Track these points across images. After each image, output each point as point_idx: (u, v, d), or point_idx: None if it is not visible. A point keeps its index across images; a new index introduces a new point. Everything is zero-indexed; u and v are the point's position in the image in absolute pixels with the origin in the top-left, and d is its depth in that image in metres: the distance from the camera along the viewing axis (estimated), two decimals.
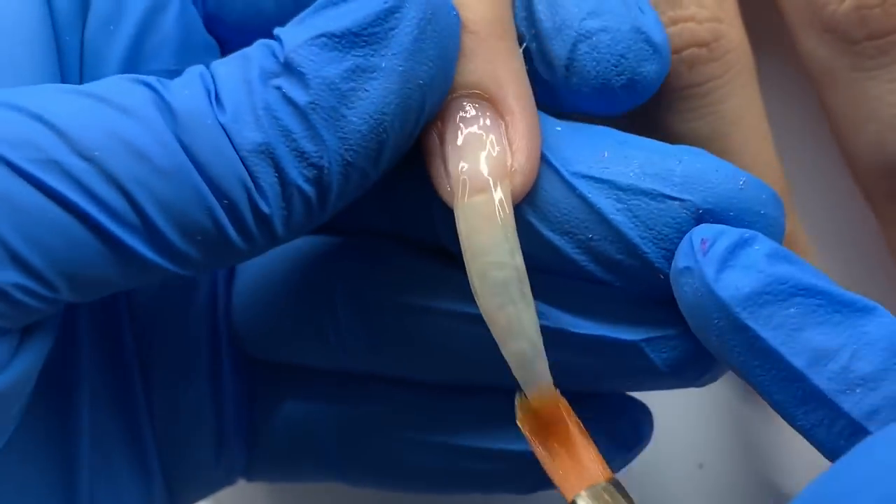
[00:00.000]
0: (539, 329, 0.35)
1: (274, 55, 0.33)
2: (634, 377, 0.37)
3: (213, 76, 0.33)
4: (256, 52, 0.34)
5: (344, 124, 0.33)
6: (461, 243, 0.35)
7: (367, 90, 0.33)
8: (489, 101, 0.35)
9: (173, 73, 0.34)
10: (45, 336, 0.34)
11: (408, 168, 0.36)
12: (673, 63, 0.40)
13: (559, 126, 0.37)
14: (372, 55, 0.33)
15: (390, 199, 0.38)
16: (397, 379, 0.40)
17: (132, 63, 0.36)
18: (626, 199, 0.35)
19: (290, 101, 0.33)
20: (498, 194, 0.34)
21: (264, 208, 0.33)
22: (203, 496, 0.41)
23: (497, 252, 0.34)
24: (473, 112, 0.35)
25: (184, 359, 0.40)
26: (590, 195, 0.35)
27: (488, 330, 0.35)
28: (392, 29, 0.33)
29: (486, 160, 0.35)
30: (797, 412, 0.33)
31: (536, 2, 0.37)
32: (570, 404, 0.36)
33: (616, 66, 0.36)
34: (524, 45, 0.37)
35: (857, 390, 0.32)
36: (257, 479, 0.42)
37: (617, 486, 0.34)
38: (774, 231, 0.36)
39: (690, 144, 0.39)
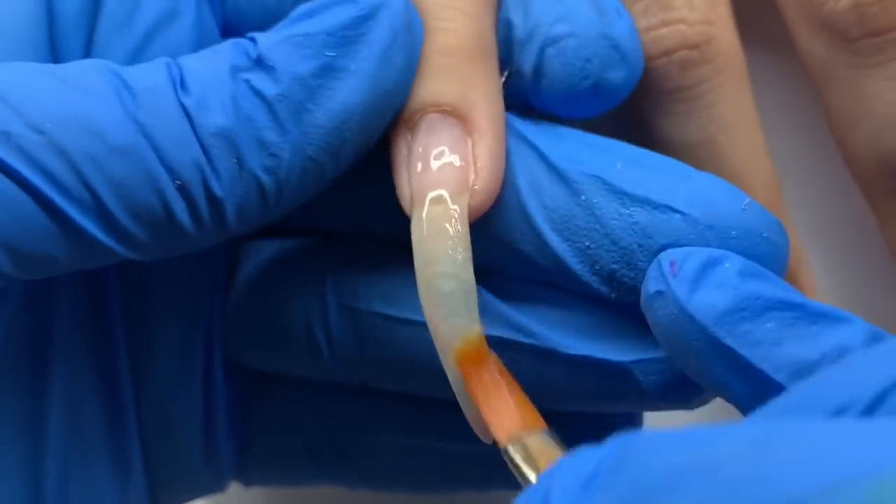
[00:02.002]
0: None
1: (246, 53, 0.34)
2: (623, 399, 0.37)
3: (179, 66, 0.34)
4: (228, 49, 0.34)
5: (308, 119, 0.34)
6: (413, 251, 0.35)
7: (334, 89, 0.34)
8: (459, 119, 0.35)
9: None
10: None
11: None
12: (663, 65, 0.40)
13: (575, 137, 0.37)
14: (342, 56, 0.34)
15: (383, 202, 0.38)
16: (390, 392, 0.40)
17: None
18: (629, 205, 0.35)
19: (257, 93, 0.34)
20: (455, 207, 0.35)
21: (217, 191, 0.33)
22: (188, 499, 0.41)
23: (445, 263, 0.35)
24: (443, 128, 0.35)
25: (177, 362, 0.40)
26: (594, 199, 0.35)
27: None
28: (364, 34, 0.34)
29: (447, 174, 0.35)
30: None
31: (511, 8, 0.37)
32: (554, 423, 0.35)
33: (582, 71, 0.37)
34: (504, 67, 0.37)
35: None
36: (253, 485, 0.42)
37: (551, 434, 0.34)
38: (777, 256, 0.35)
39: (681, 147, 0.40)
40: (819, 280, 0.41)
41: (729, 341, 0.32)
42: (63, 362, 0.38)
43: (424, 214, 0.35)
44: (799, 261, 0.41)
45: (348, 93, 0.34)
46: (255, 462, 0.41)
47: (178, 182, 0.33)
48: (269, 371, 0.41)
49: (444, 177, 0.35)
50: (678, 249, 0.34)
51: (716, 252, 0.34)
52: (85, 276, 0.38)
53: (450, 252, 0.34)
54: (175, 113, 0.33)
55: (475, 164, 0.35)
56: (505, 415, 0.35)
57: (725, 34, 0.40)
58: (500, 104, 0.36)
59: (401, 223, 0.36)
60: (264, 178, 0.34)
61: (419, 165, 0.35)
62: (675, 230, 0.35)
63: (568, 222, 0.36)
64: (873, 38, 0.39)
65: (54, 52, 0.36)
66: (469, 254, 0.35)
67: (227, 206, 0.34)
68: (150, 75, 0.34)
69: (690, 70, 0.40)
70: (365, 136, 0.35)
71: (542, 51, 0.37)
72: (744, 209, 0.35)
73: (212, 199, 0.34)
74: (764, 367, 0.32)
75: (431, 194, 0.35)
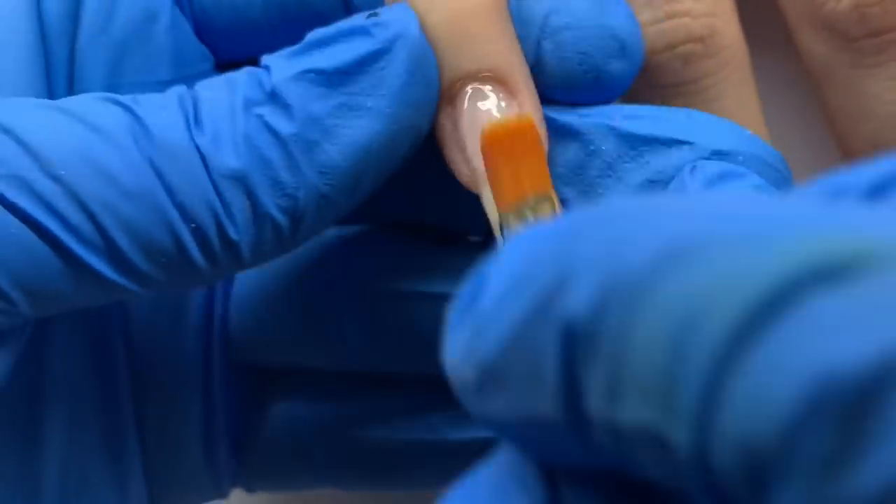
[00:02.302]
0: None
1: (260, 84, 0.34)
2: None
3: (194, 99, 0.34)
4: (242, 80, 0.34)
5: (325, 159, 0.33)
6: (494, 224, 0.34)
7: (351, 128, 0.33)
8: (501, 83, 0.35)
9: (168, 84, 0.35)
10: (6, 348, 0.34)
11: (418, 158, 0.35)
12: (667, 59, 0.39)
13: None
14: (358, 94, 0.33)
15: (396, 189, 0.37)
16: (397, 377, 0.39)
17: (119, 74, 0.36)
18: (638, 146, 0.35)
19: (271, 131, 0.33)
20: None
21: (233, 235, 0.33)
22: None
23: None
24: (487, 95, 0.34)
25: (176, 366, 0.39)
26: (603, 147, 0.35)
27: None
28: (381, 70, 0.34)
29: None
30: None
31: None
32: None
33: (581, 65, 0.36)
34: None
35: None
36: (254, 490, 0.41)
37: (549, 200, 0.34)
38: (782, 184, 0.35)
39: None
40: None
41: None
42: (60, 369, 0.37)
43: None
44: None
45: (365, 132, 0.33)
46: (254, 466, 0.40)
47: (193, 225, 0.33)
48: (270, 365, 0.39)
49: None
50: (707, 161, 0.34)
51: (740, 169, 0.34)
52: None
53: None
54: (189, 154, 0.33)
55: None
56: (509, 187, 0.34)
57: (730, 27, 0.40)
58: (526, 62, 0.35)
59: (411, 201, 0.36)
60: (280, 218, 0.33)
61: (473, 139, 0.34)
62: (686, 160, 0.35)
63: (580, 174, 0.35)
64: (874, 38, 0.39)
65: (46, 57, 0.36)
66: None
67: (243, 246, 0.33)
68: (164, 111, 0.33)
69: (695, 64, 0.39)
70: (382, 171, 0.34)
71: (538, 45, 0.36)
72: (750, 136, 0.35)
73: (226, 241, 0.33)
74: None
75: None
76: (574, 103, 0.37)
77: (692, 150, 0.35)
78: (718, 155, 0.35)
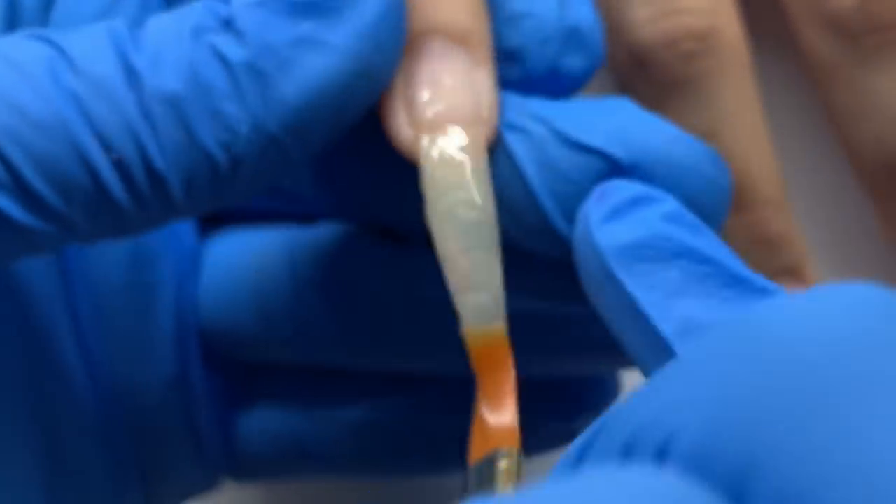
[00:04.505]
0: (503, 283, 0.32)
1: (215, 12, 0.32)
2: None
3: (144, 24, 0.32)
4: (197, 8, 0.32)
5: (275, 93, 0.31)
6: (425, 184, 0.32)
7: (308, 63, 0.31)
8: (464, 46, 0.33)
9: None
10: None
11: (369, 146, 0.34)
12: (667, 56, 0.39)
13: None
14: (324, 29, 0.31)
15: (339, 179, 0.36)
16: (373, 372, 0.38)
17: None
18: (543, 149, 0.33)
19: (219, 56, 0.31)
20: (472, 136, 0.32)
21: (159, 164, 0.31)
22: (183, 499, 0.39)
23: (468, 190, 0.32)
24: (453, 54, 0.33)
25: (150, 360, 0.37)
26: (512, 148, 0.33)
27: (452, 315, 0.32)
28: (350, 7, 0.31)
29: (460, 102, 0.32)
30: None
31: None
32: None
33: (538, 56, 0.34)
34: None
35: None
36: (244, 481, 0.40)
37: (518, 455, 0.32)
38: (713, 190, 0.33)
39: None
40: (822, 277, 0.41)
41: (621, 276, 0.30)
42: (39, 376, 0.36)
43: (441, 141, 0.32)
44: (802, 255, 0.40)
45: (324, 69, 0.31)
46: (243, 457, 0.39)
47: (115, 157, 0.31)
48: (248, 360, 0.39)
49: (458, 104, 0.32)
50: (618, 182, 0.32)
51: (654, 192, 0.31)
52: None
53: (472, 179, 0.32)
54: (115, 79, 0.31)
55: (483, 95, 0.33)
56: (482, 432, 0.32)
57: (730, 25, 0.40)
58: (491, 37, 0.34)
59: (387, 198, 0.34)
60: (216, 152, 0.31)
61: (425, 93, 0.32)
62: (598, 172, 0.33)
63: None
64: (878, 35, 0.39)
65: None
66: (491, 187, 0.32)
67: (171, 180, 0.31)
68: (90, 40, 0.31)
69: (695, 61, 0.39)
70: (337, 121, 0.32)
71: (497, 30, 0.34)
72: (672, 140, 0.33)
73: (152, 174, 0.31)
74: (651, 313, 0.29)
75: (444, 124, 0.32)
76: (526, 93, 0.35)
77: (603, 160, 0.32)
78: (637, 169, 0.32)
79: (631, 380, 0.39)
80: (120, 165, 0.31)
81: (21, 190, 0.31)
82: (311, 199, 0.37)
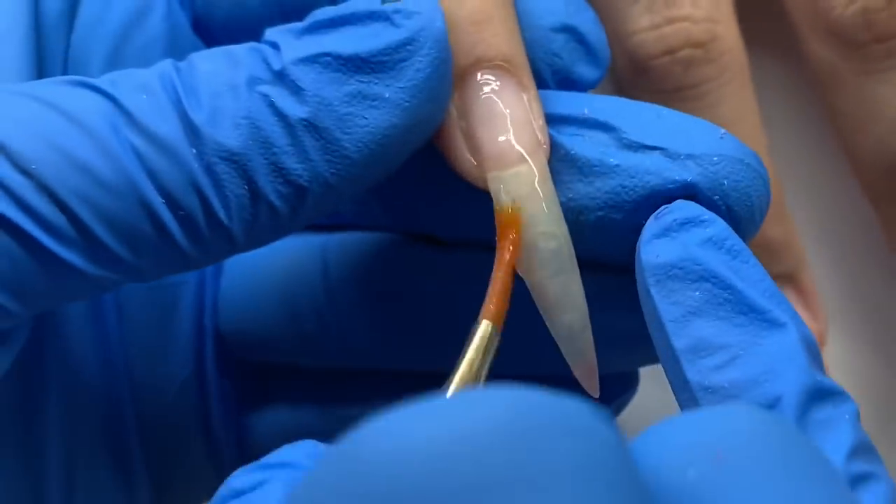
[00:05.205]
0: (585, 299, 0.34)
1: (266, 62, 0.32)
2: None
3: (187, 70, 0.32)
4: (245, 55, 0.32)
5: (336, 149, 0.32)
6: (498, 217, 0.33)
7: (366, 118, 0.32)
8: (511, 74, 0.33)
9: None
10: (5, 347, 0.33)
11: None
12: (668, 64, 0.39)
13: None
14: (377, 83, 0.32)
15: (384, 193, 0.36)
16: (393, 372, 0.39)
17: (114, 67, 0.36)
18: (610, 147, 0.34)
19: (278, 113, 0.32)
20: (538, 165, 0.33)
21: (223, 218, 0.32)
22: (195, 498, 0.40)
23: (546, 222, 0.33)
24: (497, 84, 0.33)
25: (169, 360, 0.38)
26: (573, 151, 0.34)
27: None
28: (403, 61, 0.32)
29: (519, 132, 0.33)
30: (678, 393, 0.32)
31: None
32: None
33: (550, 65, 0.35)
34: None
35: (719, 393, 0.31)
36: None
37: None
38: (758, 182, 0.33)
39: None
40: (820, 281, 0.41)
41: (654, 291, 0.32)
42: (59, 378, 0.37)
43: (513, 176, 0.33)
44: (800, 261, 0.41)
45: (381, 124, 0.32)
46: (255, 457, 0.38)
47: (181, 212, 0.31)
48: (265, 362, 0.39)
49: (518, 136, 0.33)
50: (687, 203, 0.33)
51: (706, 214, 0.32)
52: None
53: (546, 209, 0.33)
54: (175, 136, 0.31)
55: (535, 120, 0.33)
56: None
57: (729, 33, 0.40)
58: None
59: (437, 213, 0.35)
60: (279, 204, 0.32)
61: (483, 128, 0.33)
62: (658, 165, 0.33)
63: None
64: (881, 43, 0.39)
65: (39, 51, 0.35)
66: (560, 209, 0.33)
67: (235, 230, 0.32)
68: (145, 93, 0.32)
69: (695, 69, 0.39)
70: (392, 163, 0.33)
71: None
72: (721, 138, 0.33)
73: (216, 226, 0.32)
74: (669, 328, 0.31)
75: (509, 156, 0.33)
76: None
77: (665, 155, 0.33)
78: (692, 159, 0.33)
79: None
80: (183, 219, 0.31)
81: (90, 245, 0.31)
82: (351, 214, 0.38)
